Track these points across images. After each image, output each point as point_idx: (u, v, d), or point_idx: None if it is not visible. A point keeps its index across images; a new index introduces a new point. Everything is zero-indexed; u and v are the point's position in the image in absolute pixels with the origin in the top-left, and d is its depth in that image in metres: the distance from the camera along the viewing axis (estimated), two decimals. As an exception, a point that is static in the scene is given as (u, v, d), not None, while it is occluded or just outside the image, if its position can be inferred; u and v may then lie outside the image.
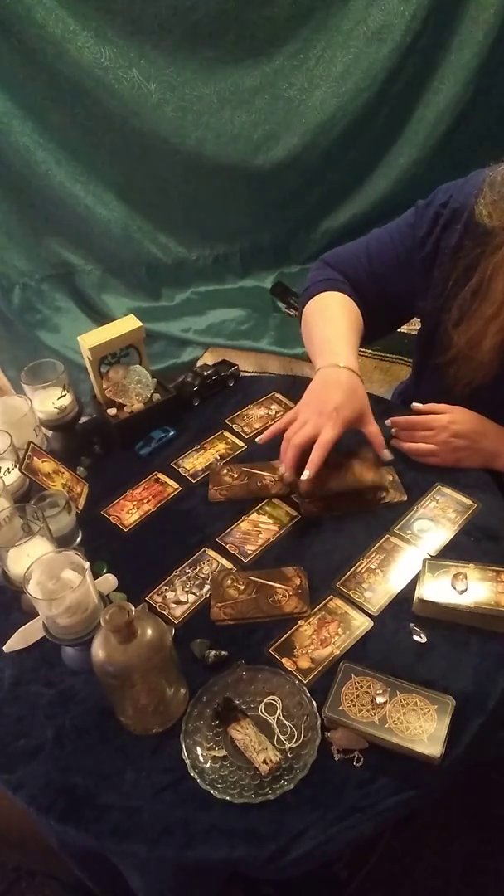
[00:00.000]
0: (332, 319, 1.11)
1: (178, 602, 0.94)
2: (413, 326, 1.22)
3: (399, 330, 1.23)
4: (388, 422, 1.13)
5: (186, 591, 0.95)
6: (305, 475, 0.94)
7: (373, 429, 1.01)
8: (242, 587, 0.94)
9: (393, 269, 1.12)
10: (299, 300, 1.17)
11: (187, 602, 0.94)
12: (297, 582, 0.94)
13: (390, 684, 0.80)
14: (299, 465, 0.96)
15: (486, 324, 0.97)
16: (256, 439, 1.05)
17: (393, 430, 1.12)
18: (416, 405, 1.11)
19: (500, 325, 0.96)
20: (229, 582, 0.95)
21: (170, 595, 0.95)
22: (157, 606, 0.94)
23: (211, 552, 1.00)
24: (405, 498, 1.03)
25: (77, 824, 0.75)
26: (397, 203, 2.53)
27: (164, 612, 0.93)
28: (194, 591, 0.95)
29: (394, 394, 1.45)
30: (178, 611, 0.93)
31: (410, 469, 1.09)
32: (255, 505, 1.06)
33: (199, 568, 0.98)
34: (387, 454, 1.02)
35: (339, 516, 1.03)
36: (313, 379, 1.03)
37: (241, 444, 1.18)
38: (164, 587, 0.96)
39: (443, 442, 1.06)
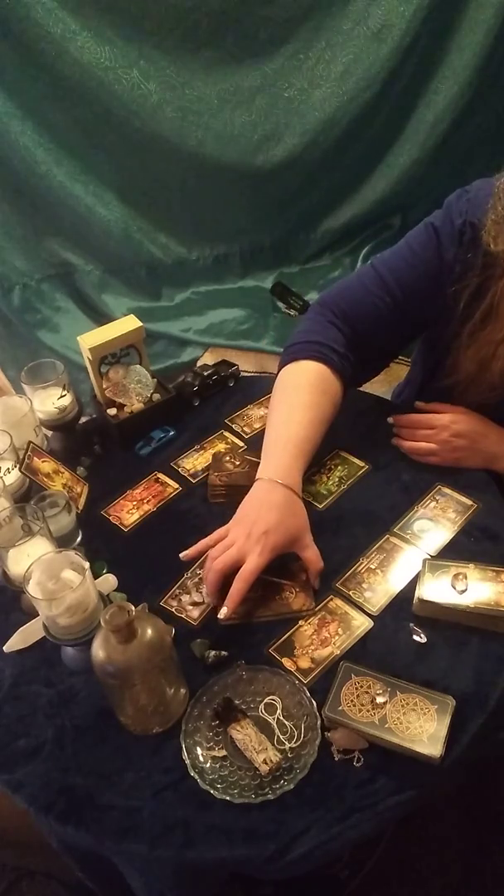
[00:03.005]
0: (293, 413, 0.99)
1: (195, 603, 0.94)
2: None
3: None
4: (389, 419, 1.13)
5: (201, 592, 0.95)
6: (222, 613, 0.86)
7: (309, 554, 0.90)
8: (238, 462, 1.04)
9: (420, 298, 1.03)
10: (282, 354, 1.08)
11: (203, 602, 0.94)
12: (303, 577, 0.93)
13: (390, 684, 0.80)
14: (224, 588, 0.87)
15: (496, 347, 0.96)
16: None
17: (394, 428, 1.13)
18: (419, 404, 1.11)
19: None
20: (228, 458, 1.06)
21: (185, 598, 0.95)
22: (173, 610, 0.93)
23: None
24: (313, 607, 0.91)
25: (77, 824, 0.75)
26: (397, 203, 2.54)
27: (182, 615, 0.93)
28: None
29: (393, 394, 1.46)
30: (196, 612, 0.93)
31: (410, 469, 1.09)
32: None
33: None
34: (317, 583, 0.91)
35: (240, 501, 0.95)
36: (251, 490, 0.94)
37: (241, 444, 1.18)
38: (178, 590, 0.96)
39: (443, 441, 1.06)
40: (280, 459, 0.95)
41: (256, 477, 0.95)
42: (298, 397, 1.01)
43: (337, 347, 1.05)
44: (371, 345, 1.09)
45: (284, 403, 1.02)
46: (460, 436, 1.05)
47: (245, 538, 0.88)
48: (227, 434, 1.21)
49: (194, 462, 1.16)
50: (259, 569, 0.86)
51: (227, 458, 1.11)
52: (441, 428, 1.06)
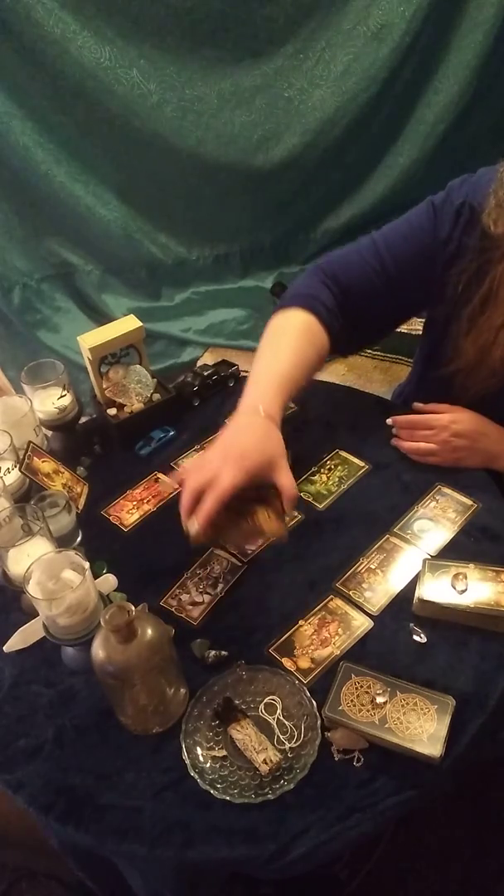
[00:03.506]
0: (279, 350, 1.01)
1: (195, 603, 0.94)
2: (413, 326, 1.22)
3: (399, 330, 1.22)
4: (388, 420, 1.13)
5: (200, 592, 0.95)
6: (193, 527, 0.84)
7: (284, 480, 0.88)
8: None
9: (411, 269, 1.04)
10: (274, 308, 1.09)
11: (203, 602, 0.94)
12: (278, 505, 0.88)
13: (390, 684, 0.80)
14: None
15: (496, 332, 0.96)
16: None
17: (393, 429, 1.13)
18: (418, 405, 1.11)
19: None
20: None
21: (185, 597, 0.95)
22: (173, 610, 0.94)
23: (219, 551, 1.00)
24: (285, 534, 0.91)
25: (77, 824, 0.75)
26: (397, 203, 2.53)
27: (182, 615, 0.93)
28: (208, 590, 0.95)
29: (394, 394, 1.45)
30: (196, 612, 0.93)
31: (410, 469, 1.09)
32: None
33: (209, 568, 0.98)
34: (293, 511, 0.92)
35: (222, 546, 0.98)
36: (231, 420, 0.93)
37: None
38: (178, 590, 0.96)
39: (443, 441, 1.06)
40: (260, 392, 0.94)
41: (237, 408, 0.94)
42: (285, 341, 1.01)
43: (327, 304, 1.05)
44: (361, 313, 1.08)
45: (270, 346, 1.02)
46: (460, 436, 1.05)
47: (221, 460, 0.86)
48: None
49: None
50: (232, 487, 0.83)
51: None
52: (440, 428, 1.06)
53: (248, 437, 0.89)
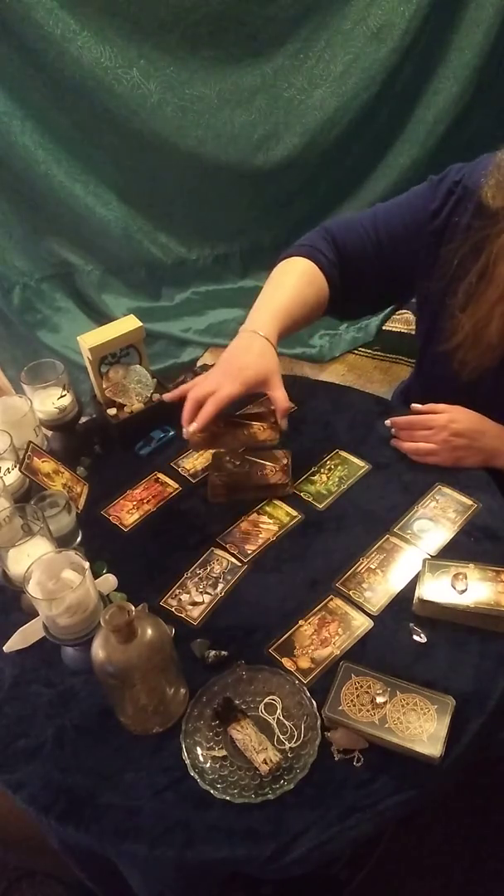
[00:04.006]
0: (280, 287, 1.09)
1: (195, 603, 0.94)
2: (413, 327, 1.22)
3: (399, 330, 1.23)
4: (387, 422, 1.13)
5: (200, 592, 0.95)
6: (192, 427, 0.95)
7: (278, 393, 0.98)
8: (238, 462, 1.07)
9: (400, 240, 1.08)
10: (281, 255, 1.17)
11: (203, 602, 0.94)
12: (272, 419, 1.02)
13: (390, 684, 0.80)
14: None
15: (492, 307, 0.97)
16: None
17: (392, 430, 1.12)
18: (415, 406, 1.11)
19: None
20: (227, 458, 1.09)
21: (185, 597, 0.95)
22: (173, 610, 0.94)
23: (219, 552, 1.00)
24: (288, 487, 1.07)
25: (77, 824, 0.75)
26: (397, 203, 2.54)
27: (182, 615, 0.93)
28: (208, 590, 0.95)
29: (394, 394, 1.45)
30: (196, 612, 0.93)
31: (410, 469, 1.09)
32: (255, 505, 1.06)
33: (209, 568, 0.98)
34: (285, 423, 1.00)
35: (241, 501, 1.06)
36: (233, 340, 1.03)
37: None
38: (178, 590, 0.96)
39: (442, 441, 1.06)
40: (259, 318, 1.03)
41: (239, 331, 1.03)
42: (286, 280, 1.09)
43: (328, 256, 1.11)
44: (354, 275, 1.12)
45: (271, 284, 1.10)
46: (459, 435, 1.05)
47: (221, 375, 0.97)
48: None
49: (194, 462, 1.16)
50: (229, 397, 0.94)
51: (227, 458, 1.11)
52: (439, 428, 1.06)
53: (245, 355, 0.98)
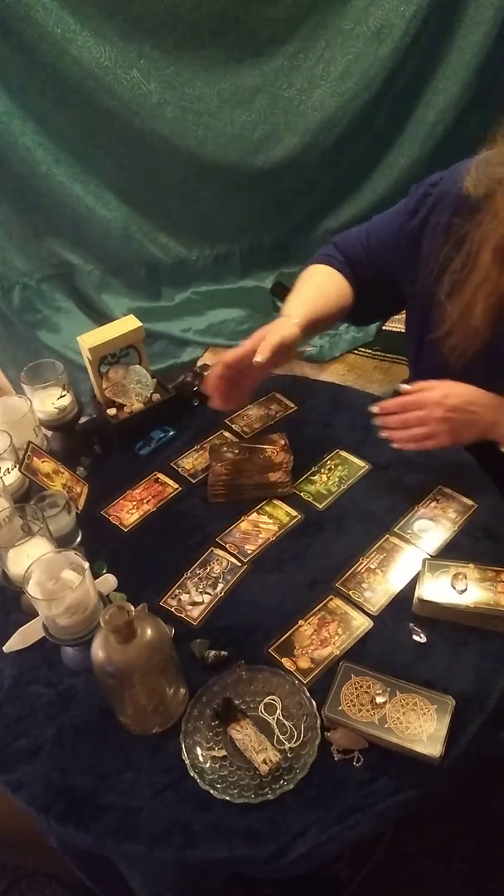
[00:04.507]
0: (305, 284, 1.19)
1: (194, 603, 0.94)
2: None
3: (399, 330, 1.24)
4: (373, 408, 1.02)
5: (200, 592, 0.95)
6: (258, 357, 1.00)
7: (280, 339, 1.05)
8: (237, 451, 1.11)
9: (387, 247, 1.15)
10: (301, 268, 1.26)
11: (203, 602, 0.94)
12: (282, 442, 1.12)
13: (390, 684, 0.80)
14: (224, 395, 1.06)
15: (475, 291, 0.98)
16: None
17: (378, 420, 1.02)
18: (403, 386, 1.02)
19: (488, 291, 0.97)
20: (225, 448, 1.12)
21: (184, 597, 0.95)
22: (172, 610, 0.94)
23: (219, 552, 1.00)
24: (288, 487, 1.09)
25: (77, 824, 0.75)
26: (397, 203, 2.53)
27: (182, 615, 0.93)
28: (208, 590, 0.95)
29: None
30: (196, 612, 0.93)
31: (411, 469, 1.09)
32: (255, 505, 1.06)
33: (209, 568, 0.98)
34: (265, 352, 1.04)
35: (241, 501, 1.08)
36: None
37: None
38: (177, 590, 0.96)
39: (440, 420, 0.98)
40: (291, 306, 1.12)
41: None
42: (308, 278, 1.20)
43: (341, 260, 1.21)
44: (362, 283, 1.20)
45: (299, 283, 1.20)
46: (456, 410, 0.98)
47: (252, 341, 1.04)
48: (227, 434, 1.21)
49: (194, 462, 1.16)
50: (273, 344, 1.00)
51: (225, 448, 1.12)
52: (433, 405, 0.98)
53: (276, 326, 1.06)
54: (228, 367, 1.04)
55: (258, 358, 1.00)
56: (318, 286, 1.18)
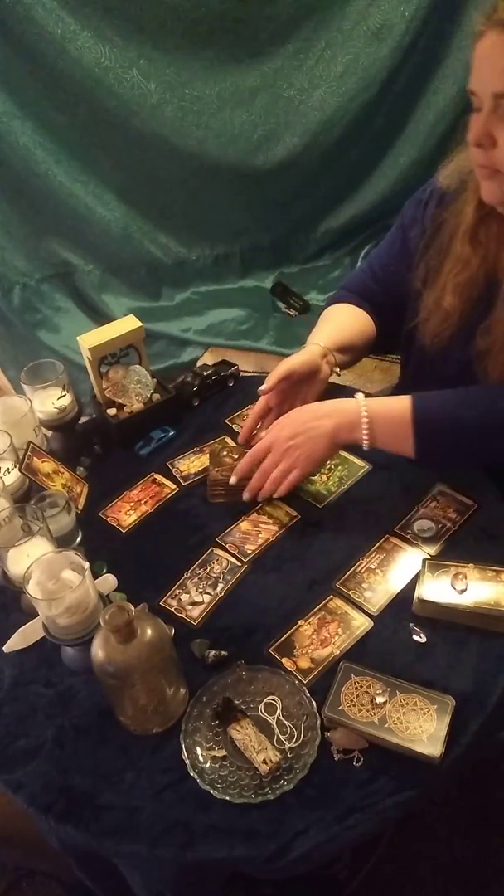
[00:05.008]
0: (323, 320, 1.22)
1: (194, 603, 0.94)
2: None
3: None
4: (231, 480, 1.06)
5: (200, 592, 0.95)
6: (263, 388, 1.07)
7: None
8: (236, 456, 1.10)
9: (392, 267, 1.17)
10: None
11: (203, 602, 0.94)
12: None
13: (390, 684, 0.80)
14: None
15: (446, 278, 1.03)
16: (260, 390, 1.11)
17: (237, 482, 1.06)
18: (242, 444, 1.14)
19: (458, 279, 1.02)
20: (225, 453, 1.12)
21: (184, 597, 0.95)
22: (172, 610, 0.94)
23: (219, 552, 1.00)
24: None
25: (77, 824, 0.75)
26: (397, 203, 2.51)
27: (182, 615, 0.93)
28: (208, 590, 0.95)
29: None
30: (196, 612, 0.93)
31: (410, 469, 1.09)
32: (254, 504, 1.06)
33: (209, 568, 0.98)
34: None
35: (241, 501, 1.05)
36: None
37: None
38: (177, 590, 0.96)
39: (287, 451, 1.01)
40: (311, 337, 1.17)
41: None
42: (328, 314, 1.24)
43: (355, 296, 1.24)
44: (379, 310, 1.23)
45: (320, 321, 1.23)
46: (296, 435, 1.01)
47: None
48: (226, 435, 1.21)
49: (189, 464, 1.15)
50: (279, 374, 1.07)
51: (225, 452, 1.12)
52: (274, 442, 1.01)
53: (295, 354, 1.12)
54: (259, 419, 1.12)
55: (262, 388, 1.08)
56: (337, 317, 1.22)
